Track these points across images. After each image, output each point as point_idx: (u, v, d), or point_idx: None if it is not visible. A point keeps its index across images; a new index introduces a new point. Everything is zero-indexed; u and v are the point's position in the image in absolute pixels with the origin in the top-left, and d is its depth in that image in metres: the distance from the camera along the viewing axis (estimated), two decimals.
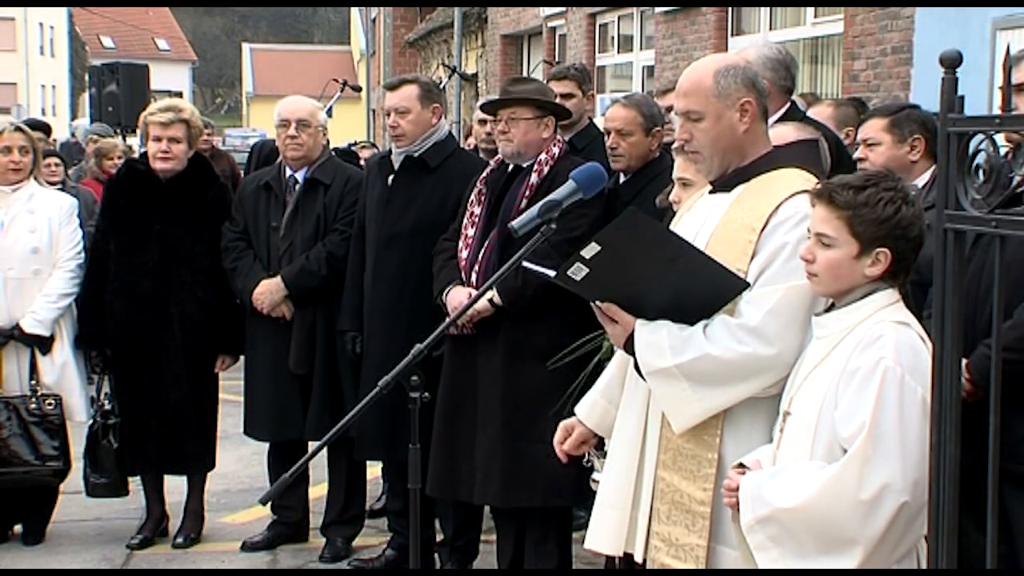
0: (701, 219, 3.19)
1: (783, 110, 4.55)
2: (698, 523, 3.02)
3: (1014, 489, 3.19)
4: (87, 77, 17.98)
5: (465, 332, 4.62)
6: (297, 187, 5.51)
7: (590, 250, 2.91)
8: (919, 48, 7.91)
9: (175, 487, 5.83)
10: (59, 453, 5.52)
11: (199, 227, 5.55)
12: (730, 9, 11.01)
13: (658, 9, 12.17)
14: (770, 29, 10.51)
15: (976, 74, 6.64)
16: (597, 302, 3.11)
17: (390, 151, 5.30)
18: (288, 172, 5.55)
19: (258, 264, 5.47)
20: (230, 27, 70.60)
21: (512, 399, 4.56)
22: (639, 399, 3.20)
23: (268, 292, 5.39)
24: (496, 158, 4.88)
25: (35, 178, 5.69)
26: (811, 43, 10.04)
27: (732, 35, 11.04)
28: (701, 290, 2.99)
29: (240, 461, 7.01)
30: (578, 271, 2.96)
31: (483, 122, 5.84)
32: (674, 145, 3.63)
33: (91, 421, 5.65)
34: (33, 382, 5.53)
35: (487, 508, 5.18)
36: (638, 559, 3.19)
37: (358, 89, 14.75)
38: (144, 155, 5.70)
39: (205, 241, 5.54)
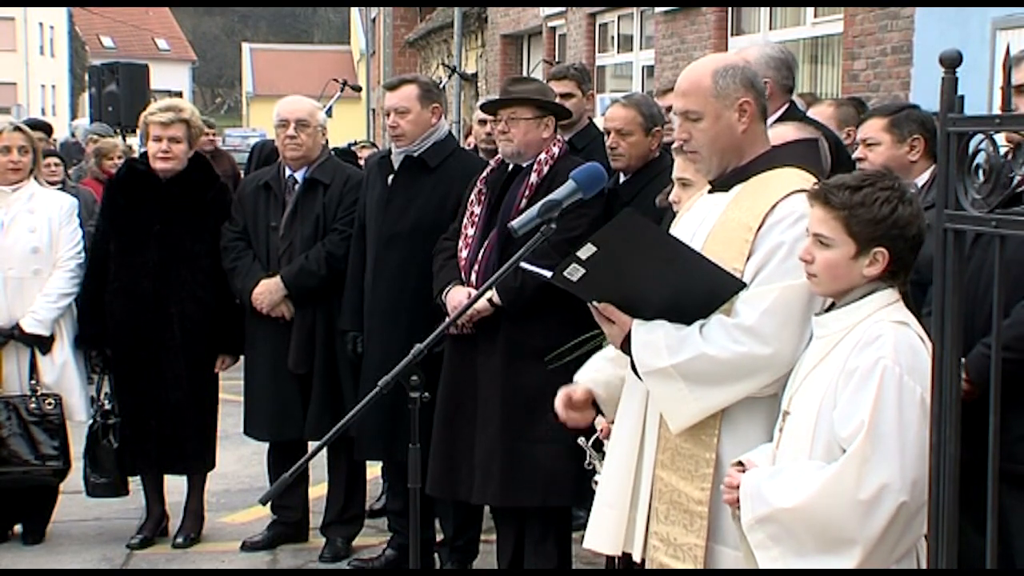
0: (699, 219, 3.20)
1: (783, 109, 4.55)
2: (696, 523, 3.02)
3: (1010, 488, 3.19)
4: (87, 77, 17.98)
5: (465, 332, 4.62)
6: (296, 187, 5.51)
7: (586, 251, 2.91)
8: (919, 48, 7.91)
9: (175, 487, 5.83)
10: (59, 453, 5.52)
11: (199, 227, 5.55)
12: (730, 9, 11.01)
13: (658, 9, 12.17)
14: (770, 29, 10.51)
15: (976, 74, 6.64)
16: (594, 302, 3.11)
17: (390, 151, 5.30)
18: (287, 172, 5.55)
19: (257, 264, 5.47)
20: (230, 27, 70.60)
21: (511, 399, 4.56)
22: (637, 399, 3.20)
23: (267, 292, 5.39)
24: (496, 158, 4.88)
25: (35, 178, 5.69)
26: (811, 43, 10.04)
27: (732, 35, 11.04)
28: (697, 290, 2.99)
29: (240, 461, 7.01)
30: (574, 272, 2.96)
31: (483, 122, 5.84)
32: (674, 145, 3.63)
33: (91, 421, 5.65)
34: (33, 382, 5.53)
35: (487, 508, 5.18)
36: (637, 559, 3.19)
37: (358, 89, 14.75)
38: (144, 155, 5.70)
39: (205, 241, 5.54)
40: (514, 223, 3.19)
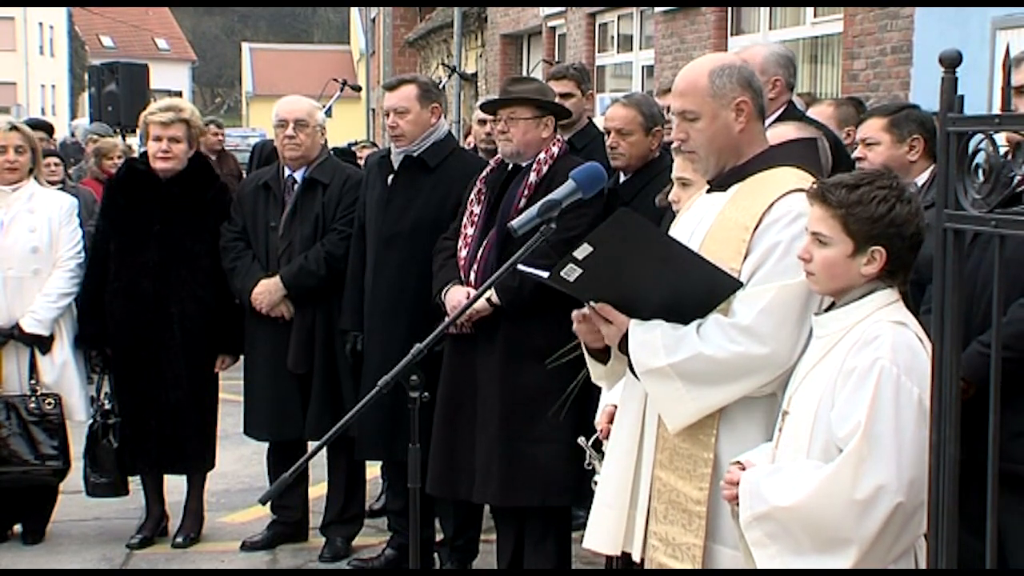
0: (697, 218, 3.20)
1: (782, 109, 4.56)
2: (694, 522, 3.02)
3: (1006, 488, 3.19)
4: (87, 77, 17.98)
5: (464, 331, 4.62)
6: (296, 187, 5.51)
7: (583, 251, 2.90)
8: (919, 48, 7.91)
9: (175, 487, 5.83)
10: (58, 452, 5.52)
11: (199, 227, 5.55)
12: (730, 9, 11.02)
13: (658, 9, 12.17)
14: (770, 29, 10.51)
15: (976, 74, 6.64)
16: (591, 302, 3.11)
17: (389, 150, 5.30)
18: (287, 172, 5.55)
19: (257, 264, 5.47)
20: (230, 27, 70.55)
21: (511, 399, 4.56)
22: (636, 399, 3.20)
23: (267, 292, 5.39)
24: (496, 157, 4.88)
25: (35, 178, 5.68)
26: (811, 43, 10.04)
27: (732, 35, 11.04)
28: (694, 290, 2.98)
29: (240, 461, 7.01)
30: (571, 272, 2.96)
31: (483, 122, 5.84)
32: (673, 145, 3.63)
33: (91, 421, 5.65)
34: (33, 381, 5.53)
35: (487, 508, 5.18)
36: (636, 558, 3.19)
37: (358, 89, 14.76)
38: (144, 155, 5.70)
39: (205, 241, 5.54)
40: (514, 223, 3.19)
